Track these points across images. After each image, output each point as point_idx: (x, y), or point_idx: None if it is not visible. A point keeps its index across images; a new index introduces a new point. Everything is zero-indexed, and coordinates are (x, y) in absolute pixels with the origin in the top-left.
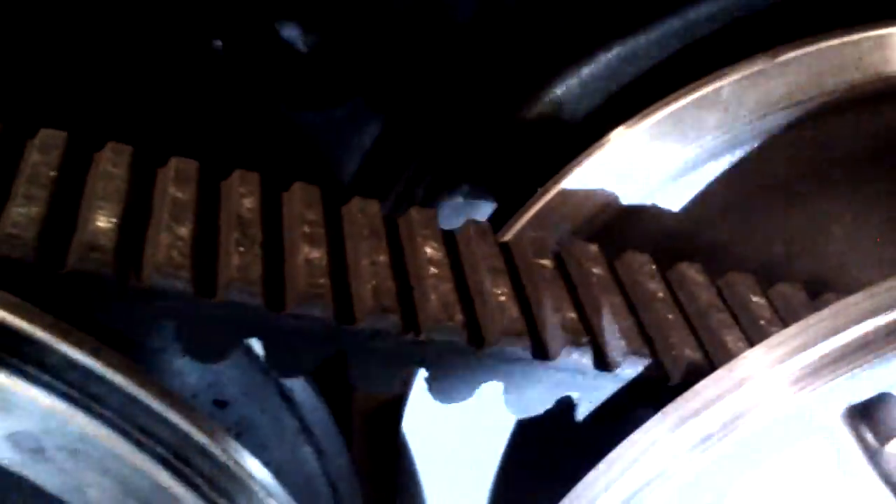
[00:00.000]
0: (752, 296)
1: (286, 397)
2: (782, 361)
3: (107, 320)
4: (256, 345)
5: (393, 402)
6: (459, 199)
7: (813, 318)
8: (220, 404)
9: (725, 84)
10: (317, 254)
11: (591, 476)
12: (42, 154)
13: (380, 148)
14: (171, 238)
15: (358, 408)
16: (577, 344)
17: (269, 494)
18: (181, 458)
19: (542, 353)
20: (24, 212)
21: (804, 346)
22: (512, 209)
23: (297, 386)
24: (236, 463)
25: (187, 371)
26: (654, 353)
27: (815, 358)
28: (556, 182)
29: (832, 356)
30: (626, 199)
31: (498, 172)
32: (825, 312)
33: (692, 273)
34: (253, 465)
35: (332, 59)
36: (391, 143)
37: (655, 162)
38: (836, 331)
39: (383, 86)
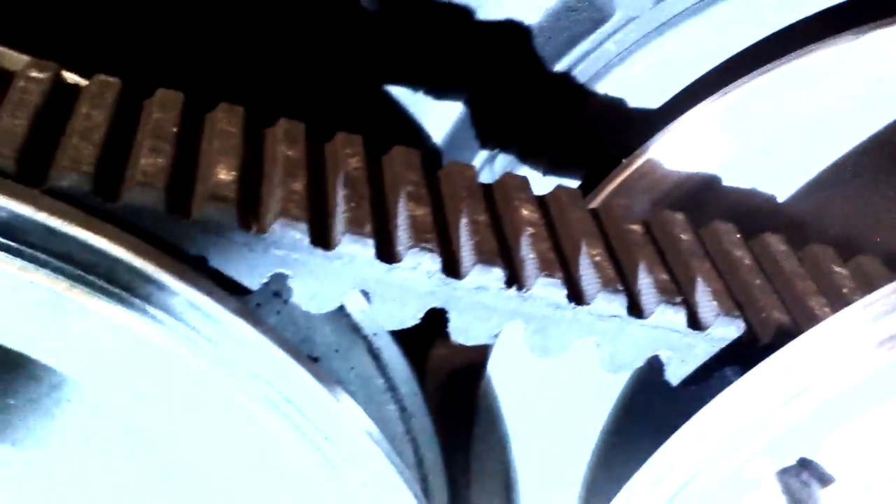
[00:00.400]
0: (833, 266)
1: (375, 355)
2: (869, 323)
3: (225, 268)
4: (349, 302)
5: (470, 367)
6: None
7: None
8: (312, 360)
9: (811, 60)
10: (421, 211)
11: (684, 429)
12: (162, 112)
13: (464, 120)
14: (287, 191)
15: (434, 370)
16: (670, 303)
17: (374, 440)
18: (288, 400)
19: (636, 311)
20: (152, 162)
21: (891, 309)
22: (592, 183)
23: (385, 345)
24: (342, 408)
25: (281, 327)
26: (743, 315)
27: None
28: (641, 154)
29: None
30: (709, 171)
31: (580, 145)
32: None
33: (775, 243)
34: (358, 413)
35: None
36: (475, 115)
37: (737, 136)
38: None
39: (468, 58)
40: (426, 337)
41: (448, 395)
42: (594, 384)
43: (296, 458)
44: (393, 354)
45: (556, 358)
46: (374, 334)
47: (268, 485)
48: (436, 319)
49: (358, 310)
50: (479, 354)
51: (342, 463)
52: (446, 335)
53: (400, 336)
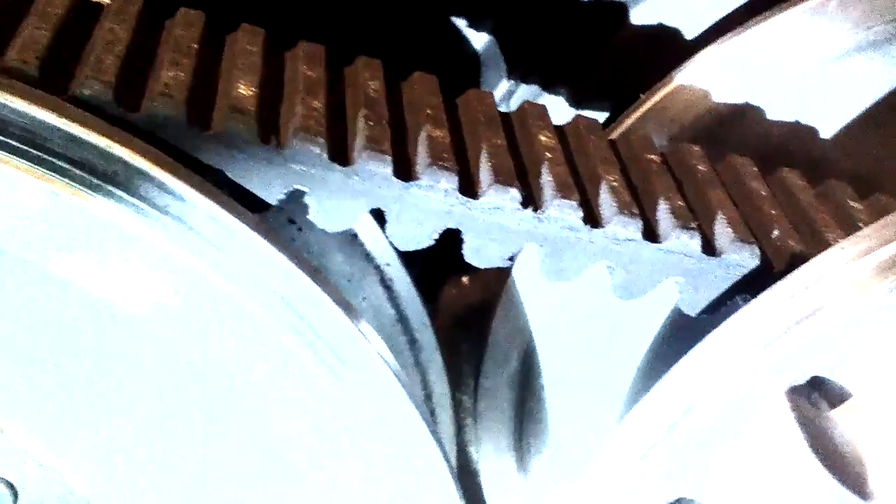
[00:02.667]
0: (849, 201)
1: (387, 286)
2: (868, 253)
3: (244, 182)
4: (362, 231)
5: (480, 306)
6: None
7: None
8: None
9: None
10: (439, 132)
11: (694, 350)
12: (184, 29)
13: (487, 51)
14: (306, 108)
15: (445, 309)
16: (685, 227)
17: (381, 356)
18: (300, 316)
19: (651, 235)
20: (173, 75)
21: (886, 241)
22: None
23: (397, 276)
24: (353, 324)
25: None
26: (758, 243)
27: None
28: (662, 87)
29: None
30: (727, 107)
31: (601, 77)
32: None
33: (793, 177)
34: (367, 330)
35: None
36: (499, 46)
37: (755, 73)
38: None
39: None
40: (438, 277)
41: (458, 333)
42: (625, 323)
43: (307, 376)
44: (405, 286)
45: (572, 283)
46: (387, 264)
47: (277, 402)
48: (448, 258)
49: (371, 238)
50: (490, 294)
51: (352, 384)
52: (457, 275)
53: (412, 274)
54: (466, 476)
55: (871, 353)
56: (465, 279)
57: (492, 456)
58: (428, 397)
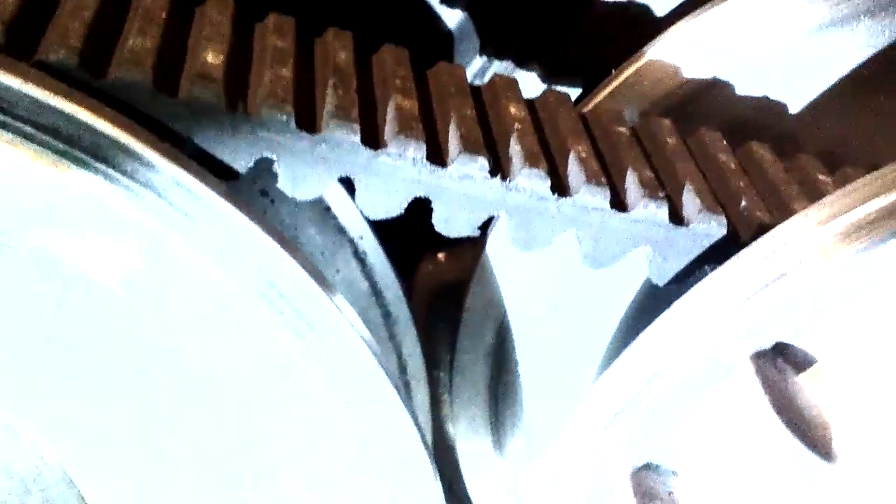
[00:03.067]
0: (818, 174)
1: (360, 259)
2: (833, 219)
3: (212, 149)
4: (334, 203)
5: (455, 283)
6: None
7: (858, 183)
8: None
9: None
10: (408, 103)
11: (661, 317)
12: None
13: (461, 29)
14: (274, 77)
15: (420, 286)
16: (653, 197)
17: (353, 326)
18: (271, 285)
19: (619, 204)
20: (140, 42)
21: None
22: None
23: (371, 249)
24: (325, 294)
25: None
26: (726, 213)
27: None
28: (630, 63)
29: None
30: (698, 82)
31: (574, 54)
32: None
33: (762, 151)
34: (340, 300)
35: None
36: (472, 22)
37: (726, 49)
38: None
39: None
40: (413, 254)
41: (433, 310)
42: (597, 297)
43: (278, 345)
44: (378, 259)
45: (541, 252)
46: (361, 237)
47: (248, 372)
48: (422, 235)
49: (344, 211)
50: (465, 270)
51: (324, 354)
52: (432, 252)
53: (386, 249)
54: (442, 453)
55: (835, 318)
56: (440, 255)
57: (468, 432)
58: (402, 370)
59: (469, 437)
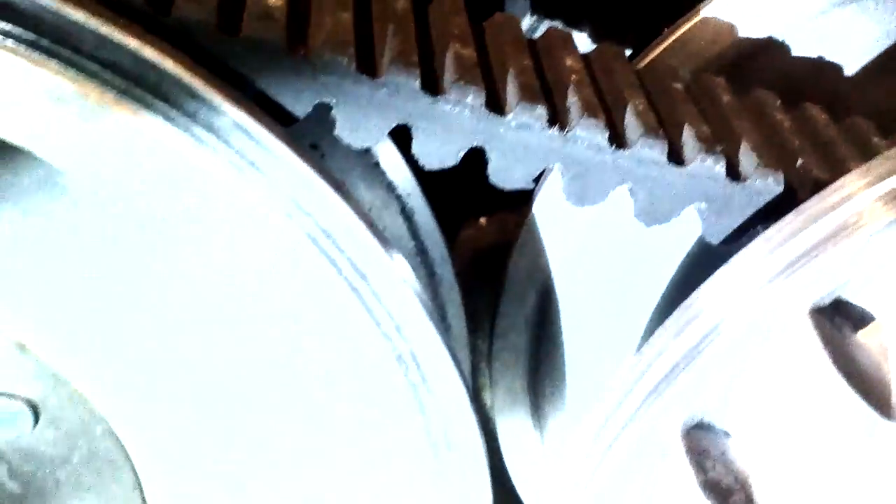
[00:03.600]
0: (872, 136)
1: (407, 216)
2: (889, 177)
3: (272, 91)
4: (384, 159)
5: (497, 247)
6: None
7: None
8: None
9: None
10: (467, 51)
11: (717, 273)
12: None
13: None
14: (335, 20)
15: (463, 250)
16: (710, 152)
17: (406, 282)
18: (327, 234)
19: (676, 158)
20: None
21: None
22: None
23: (418, 207)
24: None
25: None
26: (783, 171)
27: None
28: (684, 21)
29: None
30: (752, 42)
31: (624, 14)
32: None
33: (816, 112)
34: (400, 261)
35: None
36: None
37: (781, 8)
38: None
39: None
40: (455, 220)
41: (475, 276)
42: (645, 261)
43: (326, 289)
44: (425, 217)
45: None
46: (409, 194)
47: (295, 314)
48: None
49: (393, 168)
50: (507, 235)
51: (375, 302)
52: (474, 217)
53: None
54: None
55: (894, 274)
56: (482, 220)
57: (506, 398)
58: (446, 331)
59: (507, 402)
